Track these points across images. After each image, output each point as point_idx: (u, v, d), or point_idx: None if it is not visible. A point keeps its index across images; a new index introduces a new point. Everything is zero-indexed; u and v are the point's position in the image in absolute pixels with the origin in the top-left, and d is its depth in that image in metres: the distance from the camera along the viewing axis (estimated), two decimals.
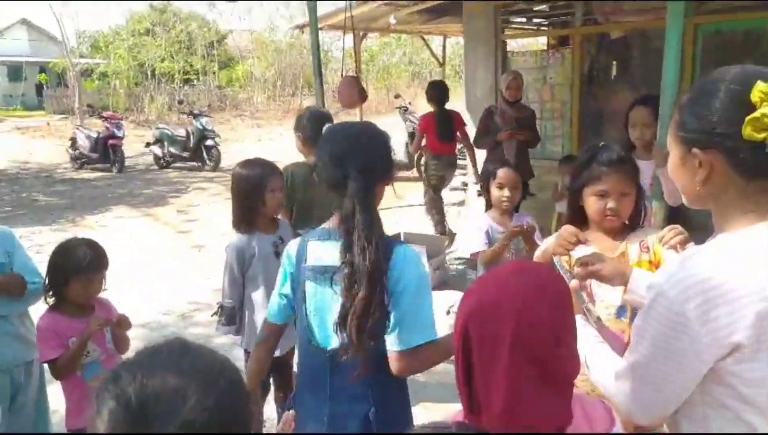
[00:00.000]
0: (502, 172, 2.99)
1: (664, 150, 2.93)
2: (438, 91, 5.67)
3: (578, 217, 1.97)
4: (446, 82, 10.84)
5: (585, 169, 1.91)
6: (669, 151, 1.19)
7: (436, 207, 5.82)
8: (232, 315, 2.64)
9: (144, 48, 23.20)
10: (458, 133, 5.71)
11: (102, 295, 2.33)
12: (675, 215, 3.33)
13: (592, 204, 1.90)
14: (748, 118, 0.99)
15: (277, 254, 2.58)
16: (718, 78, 1.08)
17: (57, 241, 2.48)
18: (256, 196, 2.58)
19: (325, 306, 1.63)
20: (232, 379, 0.79)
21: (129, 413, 0.71)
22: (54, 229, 7.78)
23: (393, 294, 1.55)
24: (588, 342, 1.39)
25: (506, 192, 2.97)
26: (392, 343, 1.56)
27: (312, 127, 3.17)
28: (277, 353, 2.24)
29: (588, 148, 2.00)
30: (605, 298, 1.89)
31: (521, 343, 0.95)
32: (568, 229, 1.84)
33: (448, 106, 5.71)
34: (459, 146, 5.99)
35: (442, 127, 5.57)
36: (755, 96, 0.99)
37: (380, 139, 1.68)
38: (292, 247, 1.75)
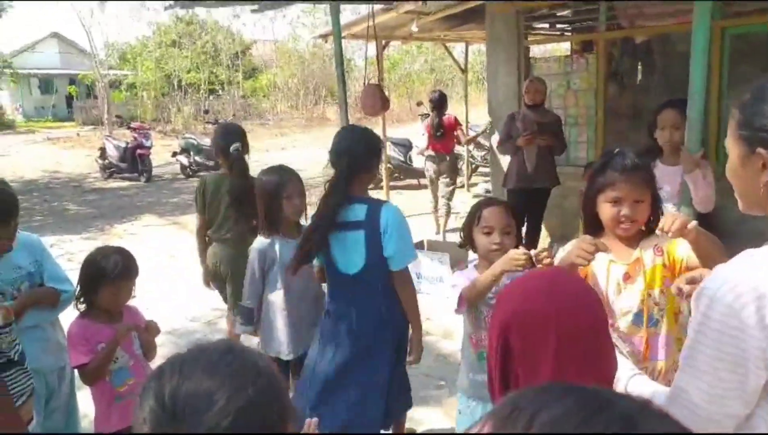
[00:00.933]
0: (488, 213, 2.21)
1: (693, 155, 2.89)
2: (435, 100, 6.94)
3: (593, 224, 1.95)
4: (468, 88, 10.92)
5: (599, 176, 1.89)
6: (703, 156, 1.15)
7: (433, 193, 7.12)
8: (250, 315, 2.73)
9: (171, 59, 23.68)
10: (456, 133, 6.97)
11: (131, 301, 2.38)
12: (704, 222, 3.26)
13: (606, 211, 1.88)
14: None
15: None
16: None
17: (87, 249, 2.53)
18: (276, 202, 2.67)
19: (346, 248, 2.47)
20: (269, 382, 0.80)
21: (164, 411, 0.74)
22: (84, 237, 7.95)
23: (384, 234, 2.40)
24: (626, 375, 1.35)
25: (496, 237, 2.18)
26: (391, 265, 2.44)
27: (222, 140, 3.47)
28: (291, 357, 2.74)
29: (603, 155, 1.99)
30: (622, 305, 1.88)
31: (565, 348, 0.95)
32: (585, 239, 1.81)
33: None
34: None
35: (436, 129, 6.81)
36: None
37: (369, 143, 2.52)
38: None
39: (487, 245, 2.20)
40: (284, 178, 2.73)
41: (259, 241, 2.73)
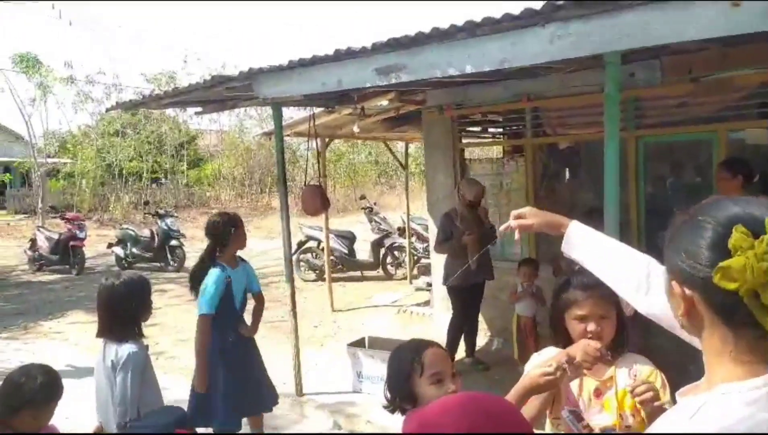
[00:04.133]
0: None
1: None
2: None
3: (564, 339, 1.96)
4: (409, 181, 11.30)
5: (563, 293, 1.94)
6: None
7: None
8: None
9: (113, 148, 23.37)
10: None
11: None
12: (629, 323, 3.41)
13: (574, 328, 1.90)
14: (718, 265, 0.89)
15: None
16: (711, 212, 0.95)
17: (6, 350, 2.37)
18: (147, 302, 2.80)
19: (238, 293, 3.82)
20: None
21: None
22: (4, 337, 7.45)
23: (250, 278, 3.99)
24: None
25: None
26: (254, 289, 4.02)
27: None
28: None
29: (564, 273, 2.05)
30: (595, 420, 1.87)
31: None
32: (591, 343, 1.77)
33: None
34: None
35: None
36: (731, 242, 0.89)
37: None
38: (216, 272, 3.71)
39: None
40: (144, 278, 2.86)
41: (134, 346, 2.66)
